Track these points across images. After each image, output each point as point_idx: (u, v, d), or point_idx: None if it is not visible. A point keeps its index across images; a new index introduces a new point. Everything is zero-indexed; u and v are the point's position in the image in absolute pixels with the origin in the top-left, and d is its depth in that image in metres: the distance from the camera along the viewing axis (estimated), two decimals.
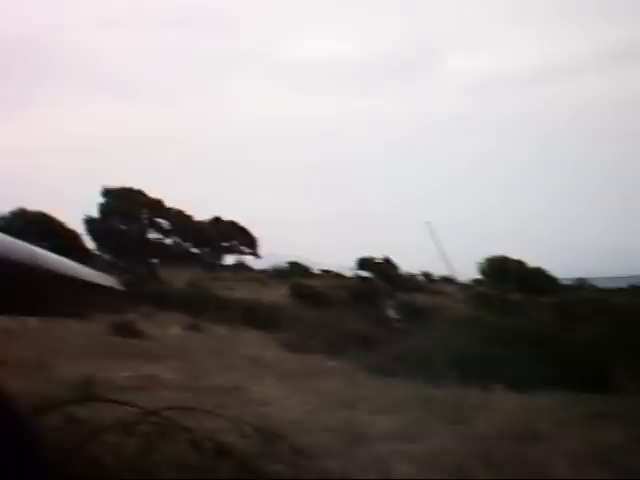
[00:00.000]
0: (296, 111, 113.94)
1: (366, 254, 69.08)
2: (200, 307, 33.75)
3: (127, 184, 66.32)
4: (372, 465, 8.40)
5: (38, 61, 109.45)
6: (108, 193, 65.77)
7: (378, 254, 70.10)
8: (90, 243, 65.32)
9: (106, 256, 66.30)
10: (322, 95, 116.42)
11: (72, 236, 63.94)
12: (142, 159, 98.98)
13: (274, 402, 12.19)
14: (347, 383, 15.33)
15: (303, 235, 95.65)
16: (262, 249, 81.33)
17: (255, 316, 33.13)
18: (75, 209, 65.24)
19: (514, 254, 62.10)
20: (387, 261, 70.68)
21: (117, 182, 66.37)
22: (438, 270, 69.39)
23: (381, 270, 65.85)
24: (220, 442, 8.46)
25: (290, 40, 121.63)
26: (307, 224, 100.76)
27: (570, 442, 9.49)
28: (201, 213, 73.56)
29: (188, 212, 69.56)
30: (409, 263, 73.27)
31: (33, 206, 61.60)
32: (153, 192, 66.88)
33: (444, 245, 49.24)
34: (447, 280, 68.72)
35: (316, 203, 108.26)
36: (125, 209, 64.70)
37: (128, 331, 23.50)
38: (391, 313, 37.34)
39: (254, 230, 79.45)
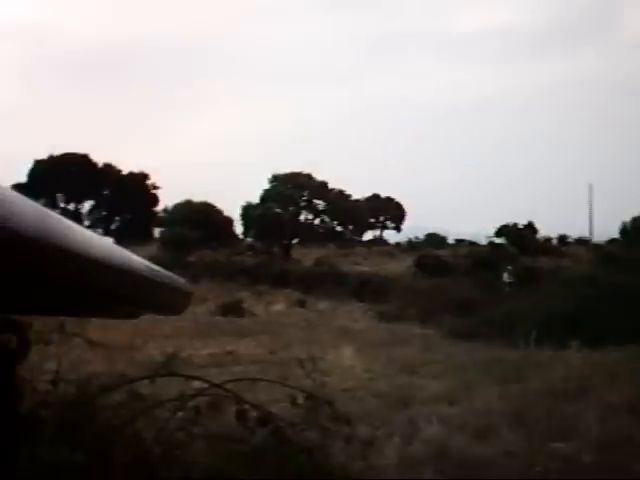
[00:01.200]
0: (471, 82, 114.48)
1: (512, 220, 68.38)
2: (315, 283, 34.34)
3: (298, 169, 68.22)
4: (403, 428, 8.59)
5: (210, 61, 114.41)
6: (276, 179, 67.58)
7: (524, 220, 69.36)
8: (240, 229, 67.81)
9: (249, 239, 68.34)
10: (499, 64, 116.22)
11: (227, 223, 66.29)
12: (310, 146, 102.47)
13: (339, 371, 12.49)
14: (422, 349, 15.50)
15: (448, 206, 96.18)
16: (407, 222, 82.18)
17: (365, 289, 33.40)
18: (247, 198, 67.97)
19: None
20: (528, 226, 69.46)
21: (290, 168, 68.63)
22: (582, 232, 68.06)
23: (517, 236, 64.56)
24: (265, 411, 8.71)
25: (461, 12, 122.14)
26: (454, 194, 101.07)
27: (612, 395, 9.45)
28: (363, 191, 75.77)
29: (348, 191, 71.06)
30: (555, 227, 72.38)
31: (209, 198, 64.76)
32: (321, 175, 68.52)
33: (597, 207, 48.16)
34: (581, 242, 67.18)
35: (468, 173, 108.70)
36: (286, 193, 66.16)
37: (232, 310, 24.28)
38: (505, 277, 36.69)
39: (405, 204, 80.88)
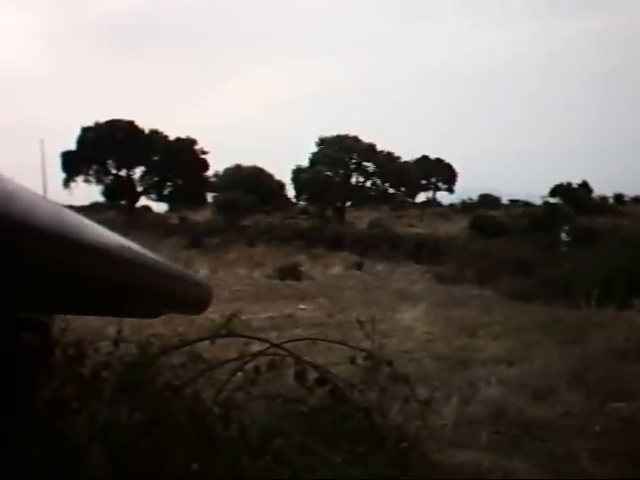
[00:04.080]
0: (492, 44, 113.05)
1: (565, 180, 67.60)
2: (371, 246, 34.38)
3: (343, 132, 68.12)
4: (461, 389, 8.57)
5: (253, 24, 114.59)
6: (323, 142, 67.52)
7: (578, 179, 68.56)
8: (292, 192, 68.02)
9: (301, 203, 68.49)
10: (538, 22, 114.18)
11: (278, 186, 66.56)
12: (356, 108, 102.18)
13: (398, 333, 12.50)
14: (480, 311, 15.41)
15: (499, 167, 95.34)
16: (459, 184, 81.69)
17: (421, 251, 33.30)
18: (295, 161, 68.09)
19: None
20: (583, 186, 68.53)
21: (335, 131, 68.60)
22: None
23: (572, 195, 63.70)
24: (324, 371, 8.73)
25: None
26: (504, 155, 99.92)
27: None
28: (410, 152, 75.31)
29: (397, 153, 70.75)
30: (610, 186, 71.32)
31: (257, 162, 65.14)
32: (367, 138, 68.32)
33: None
34: (638, 201, 65.97)
35: (518, 133, 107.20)
36: (334, 156, 66.14)
37: (289, 273, 24.40)
38: (563, 237, 36.29)
39: (455, 165, 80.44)
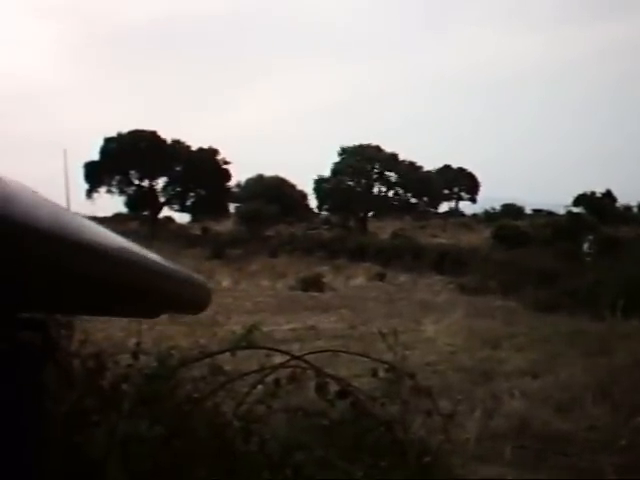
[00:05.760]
0: (511, 52, 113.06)
1: (589, 190, 67.14)
2: (394, 256, 34.27)
3: (365, 142, 68.11)
4: (485, 402, 8.47)
5: (271, 33, 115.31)
6: (344, 151, 67.54)
7: (602, 188, 68.11)
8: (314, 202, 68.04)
9: (323, 213, 68.49)
10: (561, 28, 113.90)
11: (300, 197, 66.58)
12: (377, 117, 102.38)
13: (421, 345, 12.42)
14: (504, 322, 15.30)
15: (523, 176, 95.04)
16: (481, 193, 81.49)
17: (444, 261, 33.12)
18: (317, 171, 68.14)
19: None
20: (607, 195, 68.07)
21: (357, 141, 68.64)
22: None
23: (596, 205, 63.21)
24: (345, 384, 8.67)
25: None
26: (528, 164, 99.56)
27: None
28: (432, 161, 75.26)
29: (419, 163, 70.73)
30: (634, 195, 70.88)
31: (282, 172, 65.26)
32: (389, 147, 68.28)
33: None
34: None
35: (541, 142, 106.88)
36: (356, 166, 66.12)
37: (312, 285, 24.35)
38: (586, 247, 35.93)
39: (478, 174, 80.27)
